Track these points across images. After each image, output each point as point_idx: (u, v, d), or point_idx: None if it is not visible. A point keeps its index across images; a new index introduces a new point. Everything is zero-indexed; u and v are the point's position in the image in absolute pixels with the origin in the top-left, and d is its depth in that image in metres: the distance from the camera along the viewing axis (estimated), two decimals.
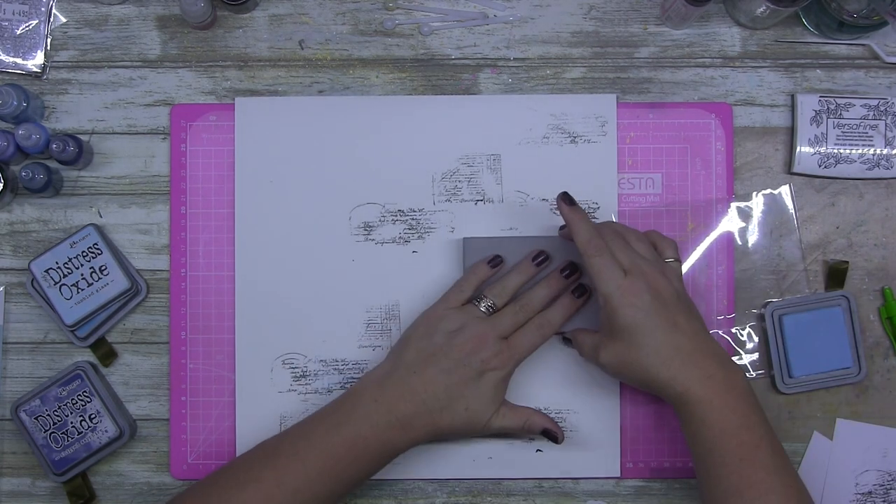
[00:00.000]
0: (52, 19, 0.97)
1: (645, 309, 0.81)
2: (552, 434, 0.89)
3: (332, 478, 0.83)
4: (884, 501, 0.95)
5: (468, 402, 0.85)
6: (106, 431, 0.93)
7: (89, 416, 0.93)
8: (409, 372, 0.85)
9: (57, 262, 0.93)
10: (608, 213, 0.95)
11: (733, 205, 0.96)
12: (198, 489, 0.83)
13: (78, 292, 0.93)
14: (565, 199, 0.86)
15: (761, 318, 0.96)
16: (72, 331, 0.94)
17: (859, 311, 0.95)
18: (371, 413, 0.84)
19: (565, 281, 0.91)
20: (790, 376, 0.94)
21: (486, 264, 0.91)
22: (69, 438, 0.93)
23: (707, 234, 0.96)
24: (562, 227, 0.92)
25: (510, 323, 0.88)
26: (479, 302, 0.89)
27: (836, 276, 0.95)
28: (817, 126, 0.96)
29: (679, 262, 0.88)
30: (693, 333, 0.82)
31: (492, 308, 0.89)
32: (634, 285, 0.82)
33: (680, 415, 0.82)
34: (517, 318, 0.88)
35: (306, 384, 0.95)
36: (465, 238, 0.93)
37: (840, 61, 0.98)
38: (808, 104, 0.96)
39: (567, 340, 0.92)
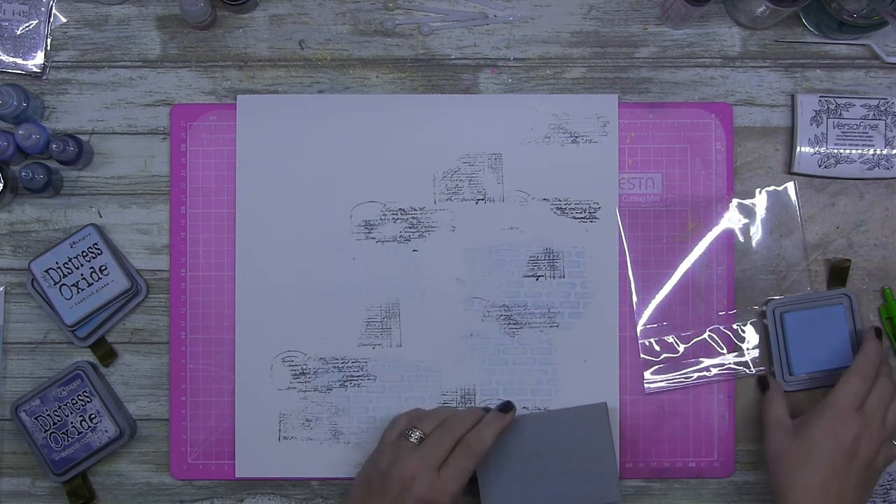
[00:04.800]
0: (52, 19, 0.97)
1: (833, 449, 0.84)
2: None
3: None
4: (884, 501, 0.95)
5: None
6: (106, 431, 0.93)
7: (89, 416, 0.93)
8: None
9: (57, 262, 0.93)
10: (609, 212, 0.96)
11: (735, 200, 0.96)
12: None
13: (78, 292, 0.93)
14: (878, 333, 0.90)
15: (762, 315, 0.96)
16: (72, 331, 0.94)
17: (860, 312, 0.95)
18: None
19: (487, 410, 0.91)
20: (791, 374, 0.94)
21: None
22: (69, 438, 0.92)
23: (707, 234, 0.96)
24: None
25: (439, 451, 0.85)
26: (409, 433, 0.87)
27: (837, 274, 0.95)
28: (817, 126, 0.96)
29: None
30: (849, 501, 0.84)
31: (421, 437, 0.87)
32: (850, 423, 0.84)
33: None
34: (443, 442, 0.86)
35: (306, 382, 0.95)
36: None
37: (840, 61, 0.98)
38: (808, 104, 0.96)
39: (762, 382, 0.94)
